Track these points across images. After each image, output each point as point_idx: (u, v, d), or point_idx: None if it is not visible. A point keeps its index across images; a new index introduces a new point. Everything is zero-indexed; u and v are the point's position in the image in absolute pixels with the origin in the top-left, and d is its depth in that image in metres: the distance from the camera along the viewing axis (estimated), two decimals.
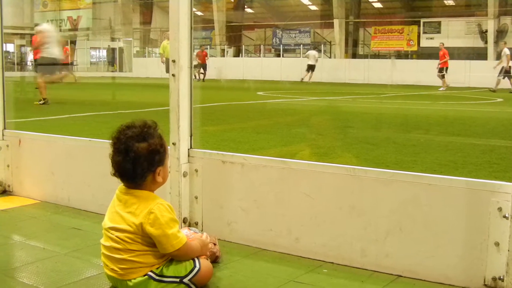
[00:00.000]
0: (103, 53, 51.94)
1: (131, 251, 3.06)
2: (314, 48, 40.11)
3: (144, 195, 3.13)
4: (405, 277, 3.45)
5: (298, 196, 3.82)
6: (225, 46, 47.83)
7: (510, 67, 26.43)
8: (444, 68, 28.85)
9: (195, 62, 34.53)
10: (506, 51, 26.84)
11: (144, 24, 53.57)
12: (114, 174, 3.15)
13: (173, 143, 4.11)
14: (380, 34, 41.57)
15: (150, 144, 3.11)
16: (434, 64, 32.10)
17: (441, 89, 27.64)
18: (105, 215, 3.23)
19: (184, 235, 3.15)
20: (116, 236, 3.08)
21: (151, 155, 3.11)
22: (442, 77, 28.72)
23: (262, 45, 47.71)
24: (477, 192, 3.25)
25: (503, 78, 26.25)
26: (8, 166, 5.48)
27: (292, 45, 45.34)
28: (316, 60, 34.88)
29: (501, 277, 3.19)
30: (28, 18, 53.76)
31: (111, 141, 3.12)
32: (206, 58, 36.18)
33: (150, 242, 3.07)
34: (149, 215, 3.04)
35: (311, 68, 34.50)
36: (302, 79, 34.14)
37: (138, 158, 3.07)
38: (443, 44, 30.17)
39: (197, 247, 3.24)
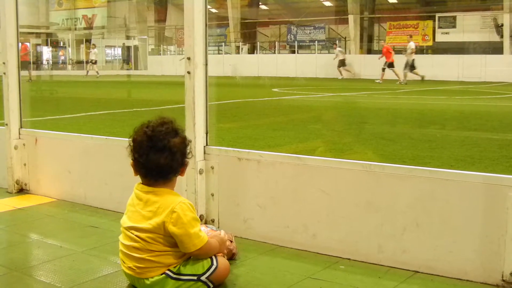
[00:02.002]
0: (118, 51, 52.07)
1: (150, 251, 3.06)
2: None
3: (166, 193, 3.13)
4: (422, 272, 3.44)
5: (314, 192, 3.82)
6: (240, 43, 47.82)
7: (413, 59, 28.38)
8: (392, 63, 29.78)
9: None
10: (411, 45, 28.85)
11: (158, 22, 53.63)
12: (142, 173, 3.15)
13: (189, 141, 4.10)
14: (395, 30, 41.41)
15: (183, 138, 3.17)
16: (449, 59, 32.08)
17: (398, 82, 28.47)
18: (123, 213, 3.23)
19: (205, 234, 3.15)
20: (136, 236, 3.08)
21: (185, 149, 3.17)
22: (383, 70, 29.75)
23: (276, 42, 47.59)
24: (494, 187, 3.24)
25: (410, 71, 28.26)
26: (24, 164, 5.51)
27: (307, 41, 45.25)
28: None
29: None
30: (43, 17, 54.04)
31: (142, 139, 3.09)
32: None
33: (171, 242, 3.07)
34: (172, 214, 3.03)
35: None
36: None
37: (175, 153, 3.10)
38: (384, 42, 34.13)
39: (216, 245, 3.24)
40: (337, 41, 40.48)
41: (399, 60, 29.04)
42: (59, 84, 29.99)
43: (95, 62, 38.67)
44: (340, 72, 34.42)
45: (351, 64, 35.39)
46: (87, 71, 37.46)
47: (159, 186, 3.13)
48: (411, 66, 28.32)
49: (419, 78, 28.37)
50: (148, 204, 3.11)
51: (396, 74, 29.01)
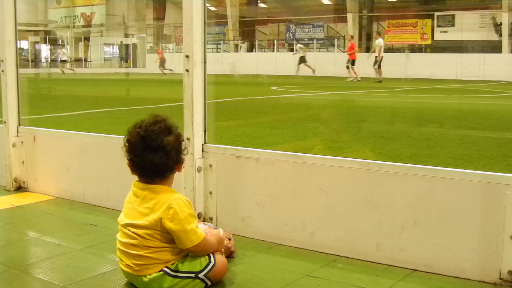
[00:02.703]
0: (117, 49, 52.03)
1: (147, 247, 3.06)
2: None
3: (163, 190, 3.13)
4: (420, 271, 3.44)
5: (313, 190, 3.82)
6: (239, 41, 47.82)
7: (382, 57, 28.81)
8: (352, 60, 30.13)
9: (158, 61, 35.53)
10: (380, 42, 29.03)
11: (157, 20, 53.63)
12: (138, 173, 3.15)
13: (187, 138, 4.10)
14: (394, 28, 41.41)
15: (176, 135, 3.16)
16: (448, 57, 32.08)
17: (349, 79, 29.04)
18: (121, 211, 3.23)
19: (202, 231, 3.15)
20: (133, 232, 3.08)
21: (179, 146, 3.16)
22: (348, 68, 30.07)
23: (275, 40, 47.62)
24: (492, 186, 3.24)
25: (378, 68, 28.67)
26: (23, 162, 5.50)
27: (306, 39, 45.19)
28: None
29: None
30: (42, 14, 53.99)
31: (136, 140, 3.09)
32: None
33: (168, 238, 3.07)
34: (169, 210, 3.04)
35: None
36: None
37: (170, 152, 3.09)
38: (352, 38, 34.30)
39: (214, 243, 3.24)
40: (297, 40, 40.35)
41: (399, 59, 29.17)
42: (58, 82, 29.98)
43: (65, 62, 39.12)
44: (298, 69, 34.35)
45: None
46: (63, 71, 37.60)
47: (156, 184, 3.13)
48: (378, 63, 28.41)
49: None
50: (145, 201, 3.11)
51: (352, 73, 29.18)
